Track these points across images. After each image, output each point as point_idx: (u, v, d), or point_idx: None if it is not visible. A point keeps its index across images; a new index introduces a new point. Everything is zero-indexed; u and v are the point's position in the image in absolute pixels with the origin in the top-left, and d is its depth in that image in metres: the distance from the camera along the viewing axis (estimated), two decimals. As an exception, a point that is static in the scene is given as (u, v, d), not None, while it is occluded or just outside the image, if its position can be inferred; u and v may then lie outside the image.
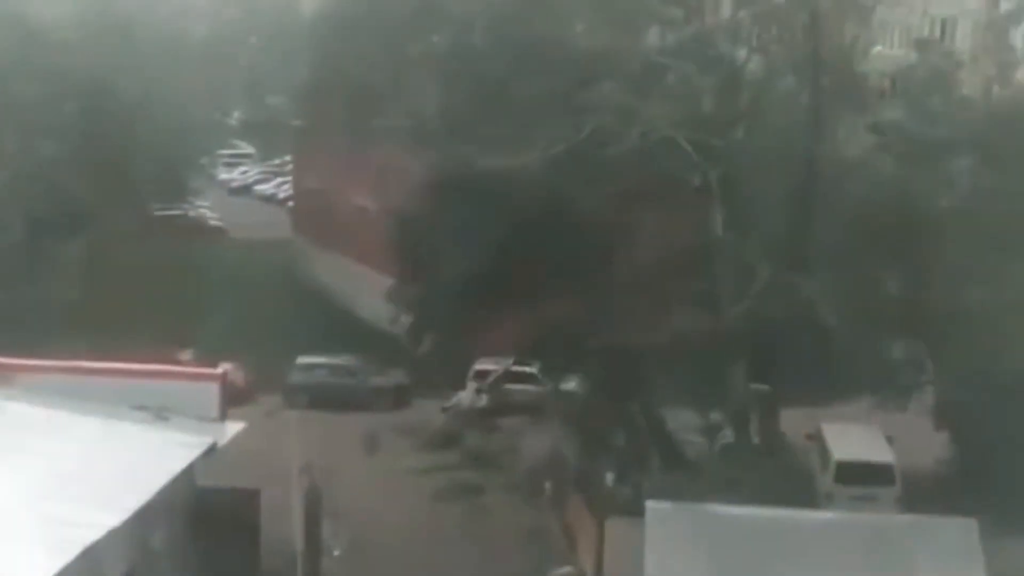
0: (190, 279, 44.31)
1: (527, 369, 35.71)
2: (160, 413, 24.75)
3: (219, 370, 31.54)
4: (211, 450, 24.63)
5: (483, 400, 36.00)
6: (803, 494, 25.94)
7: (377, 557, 25.84)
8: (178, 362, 32.90)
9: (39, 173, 42.83)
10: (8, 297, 37.36)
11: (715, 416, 28.60)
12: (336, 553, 26.06)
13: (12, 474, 20.41)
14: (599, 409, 28.51)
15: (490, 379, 36.14)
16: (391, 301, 31.77)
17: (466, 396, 36.34)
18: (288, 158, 62.97)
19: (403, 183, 30.48)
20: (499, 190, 26.40)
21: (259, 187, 68.18)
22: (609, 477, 28.28)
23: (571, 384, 30.81)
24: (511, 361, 35.74)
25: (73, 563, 17.69)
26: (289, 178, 61.99)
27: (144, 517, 21.52)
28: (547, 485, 29.97)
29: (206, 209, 59.44)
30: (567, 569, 26.75)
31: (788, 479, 26.37)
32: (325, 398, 36.86)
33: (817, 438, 29.63)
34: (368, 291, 42.77)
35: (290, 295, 46.74)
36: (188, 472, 24.55)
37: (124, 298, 39.31)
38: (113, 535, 19.03)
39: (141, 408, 25.09)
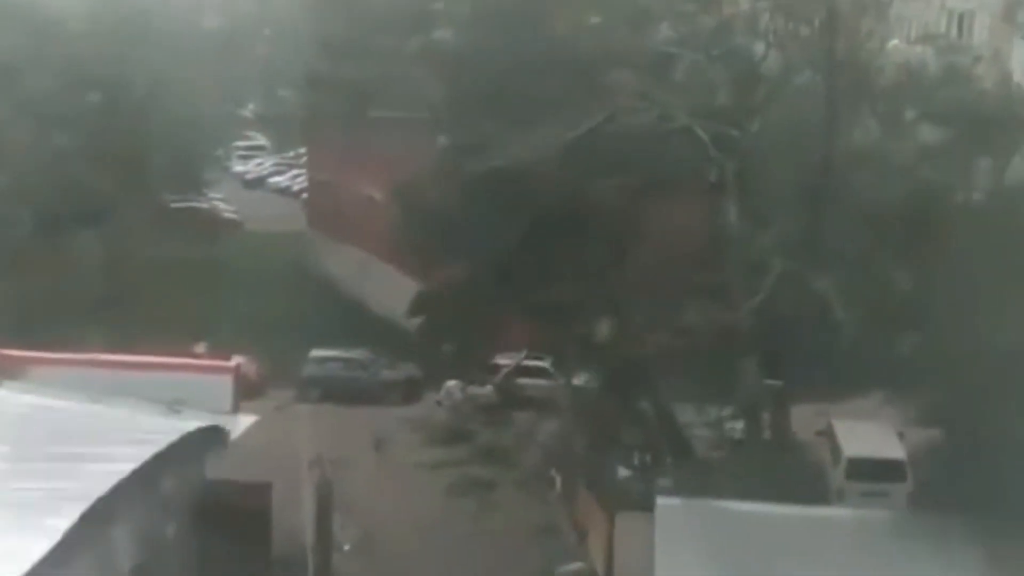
0: (204, 272, 44.44)
1: (539, 364, 35.84)
2: (172, 406, 24.90)
3: (232, 363, 31.72)
4: (223, 443, 24.77)
5: (477, 392, 36.07)
6: (814, 490, 25.91)
7: (387, 551, 25.88)
8: (191, 355, 33.04)
9: (54, 165, 42.97)
10: (22, 289, 37.54)
11: (726, 412, 28.62)
12: (346, 547, 26.12)
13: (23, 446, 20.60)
14: (610, 404, 28.49)
15: (501, 374, 36.26)
16: (409, 304, 31.73)
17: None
18: (302, 150, 63.12)
19: (416, 176, 30.50)
20: (513, 184, 26.36)
21: (273, 179, 68.23)
22: (620, 472, 28.37)
23: (583, 379, 30.87)
24: (523, 355, 35.87)
25: (83, 528, 17.81)
26: (303, 170, 62.13)
27: (155, 509, 21.74)
28: (558, 480, 30.05)
29: (220, 201, 59.56)
30: (577, 564, 26.73)
31: (799, 475, 26.37)
32: (337, 392, 36.94)
33: (828, 434, 29.60)
34: (381, 284, 42.88)
35: (303, 288, 46.78)
36: (199, 464, 24.70)
37: (138, 291, 39.48)
38: (124, 514, 19.15)
39: (154, 401, 25.46)
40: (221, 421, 25.59)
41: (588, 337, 27.78)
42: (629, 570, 23.75)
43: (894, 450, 28.14)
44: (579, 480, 28.53)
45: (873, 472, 27.21)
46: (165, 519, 22.70)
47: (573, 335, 29.08)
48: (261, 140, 72.22)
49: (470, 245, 27.64)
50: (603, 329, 27.20)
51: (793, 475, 25.97)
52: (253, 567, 23.55)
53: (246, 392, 30.89)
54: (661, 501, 22.59)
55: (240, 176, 68.52)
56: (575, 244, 26.67)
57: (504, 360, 36.30)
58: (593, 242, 26.64)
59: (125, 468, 19.43)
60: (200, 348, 34.95)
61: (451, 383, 36.49)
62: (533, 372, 35.77)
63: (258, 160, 71.25)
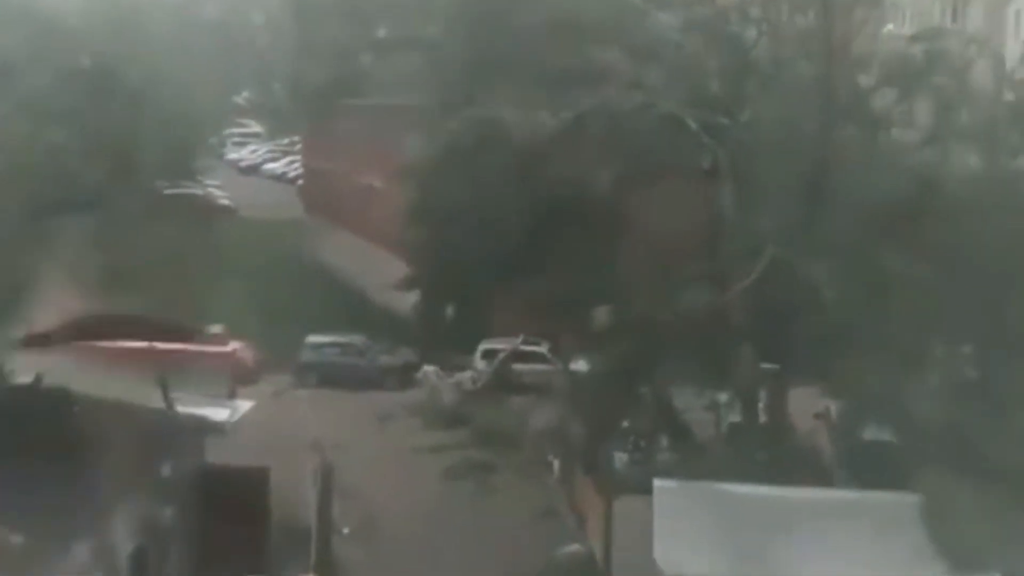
0: (199, 258, 44.43)
1: (536, 348, 35.88)
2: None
3: (229, 349, 31.73)
4: (221, 428, 24.78)
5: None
6: (813, 472, 26.02)
7: (386, 534, 25.96)
8: (188, 341, 33.01)
9: (49, 153, 42.85)
10: (18, 277, 37.50)
11: (724, 395, 28.69)
12: (345, 531, 26.20)
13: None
14: (608, 388, 28.50)
15: (498, 358, 36.26)
16: (402, 280, 31.83)
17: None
18: (297, 137, 63.11)
19: (410, 161, 30.52)
20: (508, 168, 26.43)
21: (268, 166, 68.27)
22: (617, 456, 28.41)
23: (580, 364, 30.84)
24: (520, 340, 35.88)
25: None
26: (298, 157, 62.13)
27: (154, 493, 21.74)
28: (555, 464, 30.08)
29: (215, 188, 59.53)
30: (575, 547, 26.85)
31: (797, 457, 26.47)
32: (334, 377, 36.99)
33: (826, 417, 29.66)
34: (377, 270, 42.90)
35: (300, 274, 46.81)
36: (198, 449, 24.71)
37: (134, 278, 39.45)
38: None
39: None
40: (218, 406, 25.71)
41: (585, 322, 27.88)
42: (627, 553, 23.86)
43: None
44: (577, 464, 28.62)
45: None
46: (163, 503, 22.78)
47: (570, 320, 29.17)
48: (256, 127, 72.25)
49: (465, 231, 27.66)
50: (600, 314, 27.31)
51: (791, 457, 26.12)
52: (252, 551, 23.65)
53: (243, 378, 30.94)
54: (658, 483, 22.56)
55: (235, 163, 68.57)
56: (570, 229, 26.68)
57: (501, 345, 36.55)
58: (588, 227, 26.67)
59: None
60: (197, 334, 34.93)
61: (429, 368, 36.64)
62: (530, 357, 35.93)
63: (252, 147, 71.26)
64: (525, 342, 35.82)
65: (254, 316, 39.90)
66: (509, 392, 33.79)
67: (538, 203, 26.73)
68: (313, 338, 39.04)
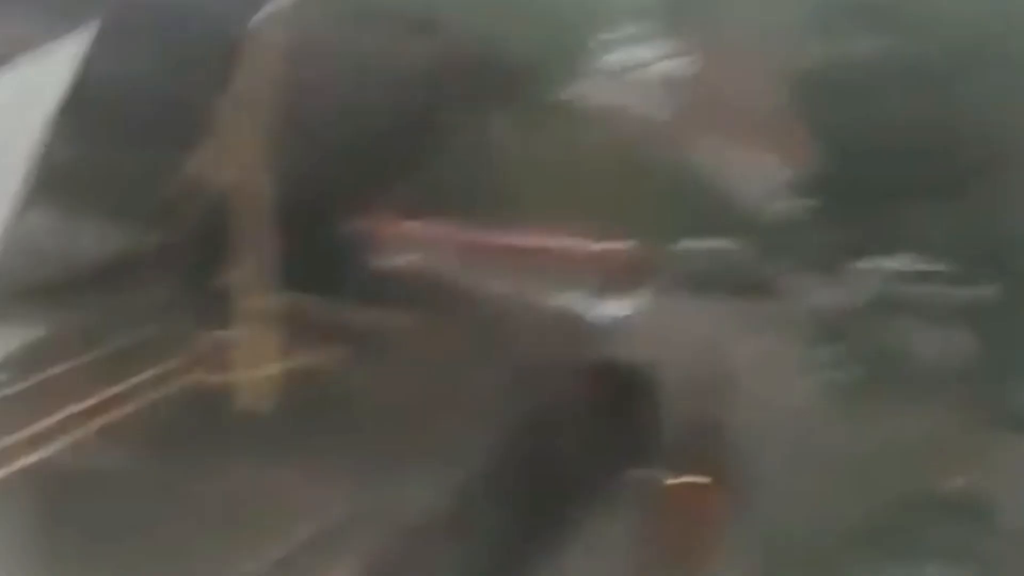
0: (570, 162, 44.10)
1: (930, 268, 33.52)
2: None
3: (609, 249, 31.38)
4: (605, 326, 24.72)
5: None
6: None
7: (767, 445, 25.36)
8: (571, 240, 32.97)
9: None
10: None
11: None
12: (724, 434, 25.66)
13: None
14: (1009, 317, 26.54)
15: (886, 275, 34.37)
16: (785, 189, 30.54)
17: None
18: (676, 39, 61.81)
19: (801, 67, 28.93)
20: (908, 81, 24.68)
21: (647, 68, 67.35)
22: (1014, 389, 26.51)
23: (982, 288, 28.77)
24: (911, 258, 33.75)
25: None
26: (677, 60, 60.90)
27: (542, 389, 21.87)
28: (943, 394, 28.35)
29: (592, 92, 59.05)
30: (959, 480, 25.36)
31: None
32: (711, 283, 35.92)
33: None
34: (758, 176, 41.47)
35: (675, 179, 45.72)
36: (584, 346, 24.75)
37: (513, 182, 39.64)
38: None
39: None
40: (602, 305, 25.64)
41: (990, 242, 25.99)
42: (1012, 493, 22.31)
43: None
44: (967, 396, 26.88)
45: None
46: (551, 398, 22.94)
47: (969, 239, 27.26)
48: (633, 29, 71.43)
49: (859, 137, 26.08)
50: (1008, 236, 25.41)
51: None
52: (639, 447, 23.57)
53: (625, 279, 30.65)
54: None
55: (613, 67, 67.96)
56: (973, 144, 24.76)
57: (891, 262, 34.58)
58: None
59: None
60: (574, 233, 34.79)
61: (807, 281, 34.78)
62: (922, 276, 33.71)
63: (630, 50, 70.47)
64: (917, 260, 33.78)
65: (630, 220, 39.44)
66: (896, 312, 32.09)
67: (940, 117, 24.91)
68: (688, 243, 37.97)
